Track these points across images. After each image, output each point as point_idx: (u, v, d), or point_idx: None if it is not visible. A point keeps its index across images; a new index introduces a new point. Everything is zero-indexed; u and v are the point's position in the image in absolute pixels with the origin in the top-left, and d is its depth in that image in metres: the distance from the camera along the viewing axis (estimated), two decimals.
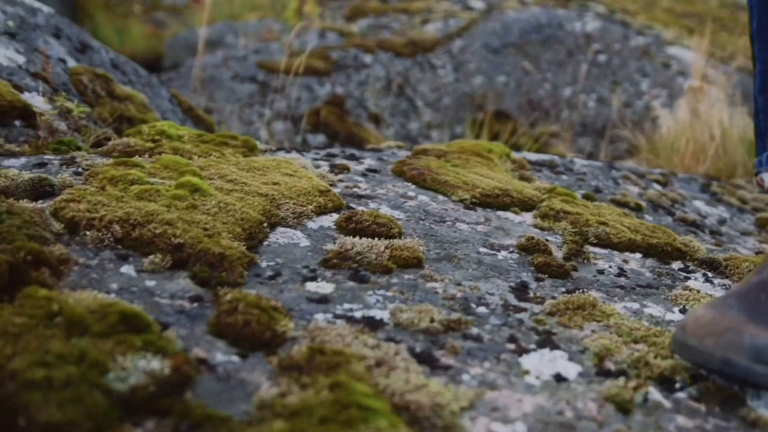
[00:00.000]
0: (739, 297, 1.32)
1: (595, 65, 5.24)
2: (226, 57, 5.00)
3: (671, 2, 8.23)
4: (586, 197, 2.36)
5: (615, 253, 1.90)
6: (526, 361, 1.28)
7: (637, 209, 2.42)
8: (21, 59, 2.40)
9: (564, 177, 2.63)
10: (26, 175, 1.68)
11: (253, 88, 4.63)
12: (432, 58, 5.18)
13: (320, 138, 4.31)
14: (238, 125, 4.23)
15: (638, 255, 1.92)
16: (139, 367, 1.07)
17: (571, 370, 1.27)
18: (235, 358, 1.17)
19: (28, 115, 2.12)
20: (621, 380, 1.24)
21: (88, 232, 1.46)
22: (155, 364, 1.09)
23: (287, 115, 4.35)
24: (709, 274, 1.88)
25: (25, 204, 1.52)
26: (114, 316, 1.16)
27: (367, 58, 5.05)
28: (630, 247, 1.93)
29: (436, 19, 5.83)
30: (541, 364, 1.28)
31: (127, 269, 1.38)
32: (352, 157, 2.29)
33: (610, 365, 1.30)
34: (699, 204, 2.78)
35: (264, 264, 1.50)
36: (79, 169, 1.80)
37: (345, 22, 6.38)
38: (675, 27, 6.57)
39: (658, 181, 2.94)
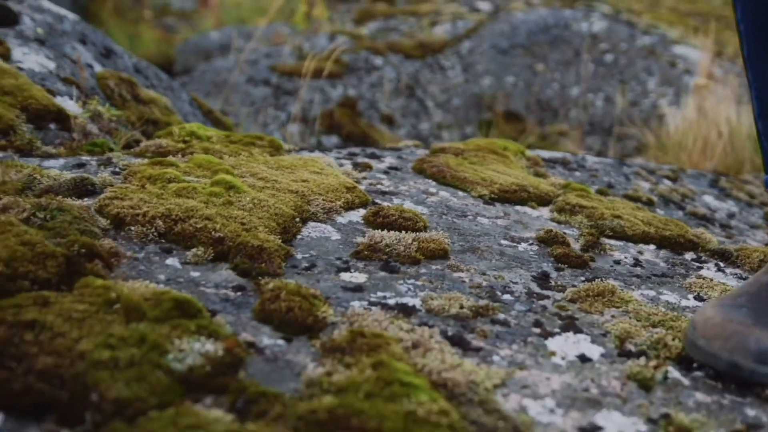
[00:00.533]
0: (750, 297, 1.39)
1: (602, 65, 5.31)
2: (239, 61, 5.09)
3: (675, 1, 8.30)
4: (600, 192, 2.44)
5: (630, 244, 1.98)
6: (552, 344, 1.36)
7: (649, 204, 2.49)
8: (51, 65, 2.49)
9: (577, 173, 2.70)
10: (68, 174, 1.76)
11: (266, 91, 4.72)
12: (441, 59, 5.27)
13: (334, 139, 4.40)
14: (253, 127, 4.32)
15: (652, 246, 1.99)
16: (195, 349, 1.15)
17: (594, 352, 1.35)
18: (280, 342, 1.25)
19: (62, 118, 2.21)
20: (642, 360, 1.32)
21: (132, 228, 1.55)
22: (209, 346, 1.17)
23: (301, 117, 4.44)
24: (721, 264, 1.95)
25: (72, 201, 1.60)
26: (168, 303, 1.24)
27: (378, 61, 5.13)
28: (644, 239, 2.01)
29: (444, 21, 5.92)
30: (565, 346, 1.36)
31: (172, 261, 1.47)
32: (373, 156, 2.38)
33: (630, 347, 1.38)
34: (708, 199, 2.86)
35: (299, 256, 1.58)
36: (117, 169, 1.88)
37: (353, 26, 6.47)
38: (680, 26, 6.64)
39: (668, 177, 3.01)
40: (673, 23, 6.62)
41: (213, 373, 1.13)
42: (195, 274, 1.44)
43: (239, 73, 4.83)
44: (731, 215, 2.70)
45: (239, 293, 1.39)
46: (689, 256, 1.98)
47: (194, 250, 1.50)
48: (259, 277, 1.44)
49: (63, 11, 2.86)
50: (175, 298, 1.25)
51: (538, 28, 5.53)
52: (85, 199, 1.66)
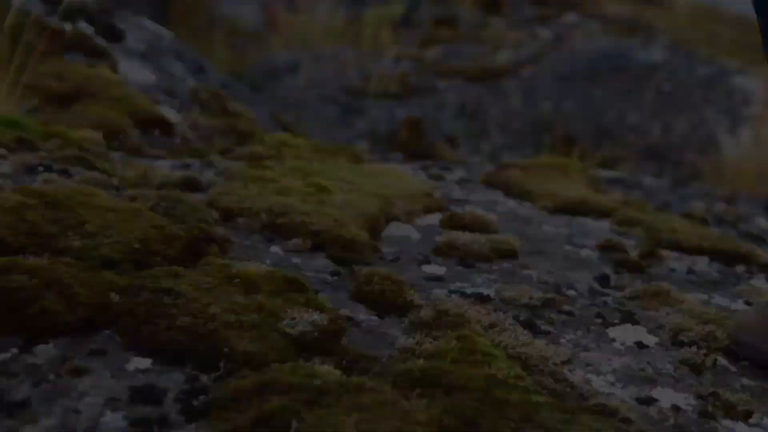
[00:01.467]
0: None
1: (660, 93, 5.44)
2: (309, 81, 5.34)
3: (734, 34, 8.35)
4: (657, 209, 2.59)
5: (684, 255, 2.13)
6: (612, 332, 1.53)
7: (704, 222, 2.63)
8: (153, 77, 2.74)
9: (635, 192, 2.86)
10: (177, 173, 1.99)
11: (335, 109, 4.96)
12: (502, 84, 5.46)
13: (398, 156, 4.60)
14: None
15: (705, 258, 2.14)
16: (304, 318, 1.35)
17: (650, 340, 1.51)
18: (374, 318, 1.44)
19: (164, 125, 2.44)
20: (693, 348, 1.48)
21: (239, 219, 1.76)
22: (316, 316, 1.36)
23: (367, 135, 4.66)
24: None
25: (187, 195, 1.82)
26: (280, 279, 1.44)
27: (441, 83, 5.35)
28: (698, 251, 2.15)
29: (506, 48, 6.11)
30: (624, 334, 1.52)
31: (275, 249, 1.67)
32: (444, 168, 2.57)
33: (683, 338, 1.53)
34: (762, 221, 2.98)
35: (385, 250, 1.77)
36: (219, 170, 2.10)
37: (417, 49, 6.69)
38: (738, 57, 6.72)
39: (722, 200, 3.14)
40: (731, 54, 6.70)
41: (320, 338, 1.32)
42: (296, 260, 1.64)
43: (309, 92, 5.08)
44: None
45: (335, 277, 1.58)
46: (740, 268, 2.12)
47: (294, 240, 1.70)
48: (353, 265, 1.64)
49: (161, 30, 3.12)
50: (286, 276, 1.45)
51: (598, 56, 5.69)
52: (197, 194, 1.87)
